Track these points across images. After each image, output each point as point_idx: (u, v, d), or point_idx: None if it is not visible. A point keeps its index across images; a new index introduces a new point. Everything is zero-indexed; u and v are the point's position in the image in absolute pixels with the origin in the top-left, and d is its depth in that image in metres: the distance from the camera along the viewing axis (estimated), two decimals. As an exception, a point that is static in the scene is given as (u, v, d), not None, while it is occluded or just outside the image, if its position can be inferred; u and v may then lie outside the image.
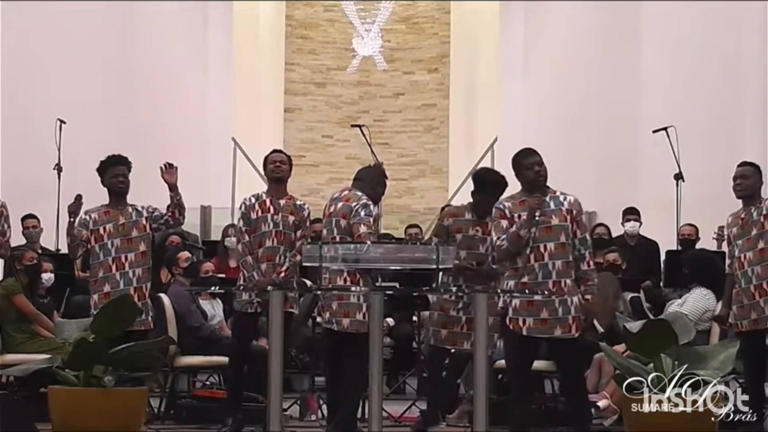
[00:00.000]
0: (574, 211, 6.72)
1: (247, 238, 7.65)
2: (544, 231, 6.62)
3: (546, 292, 6.49)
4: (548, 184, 6.83)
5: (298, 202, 7.79)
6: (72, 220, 7.53)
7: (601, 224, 11.32)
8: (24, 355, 8.26)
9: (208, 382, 9.35)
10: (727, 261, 7.72)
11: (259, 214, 7.66)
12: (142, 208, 7.71)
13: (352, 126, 11.43)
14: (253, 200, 7.73)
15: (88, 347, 6.47)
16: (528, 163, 6.77)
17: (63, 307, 9.21)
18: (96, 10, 12.36)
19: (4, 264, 9.24)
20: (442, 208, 10.51)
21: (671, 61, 12.34)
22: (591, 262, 6.76)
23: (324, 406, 8.62)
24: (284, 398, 6.79)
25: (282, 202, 7.71)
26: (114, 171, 7.60)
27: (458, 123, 16.83)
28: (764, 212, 7.47)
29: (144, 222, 7.64)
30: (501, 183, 7.60)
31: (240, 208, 7.78)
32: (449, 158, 16.79)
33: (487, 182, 7.66)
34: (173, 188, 7.67)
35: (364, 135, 10.27)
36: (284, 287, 7.33)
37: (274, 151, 7.97)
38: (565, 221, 6.67)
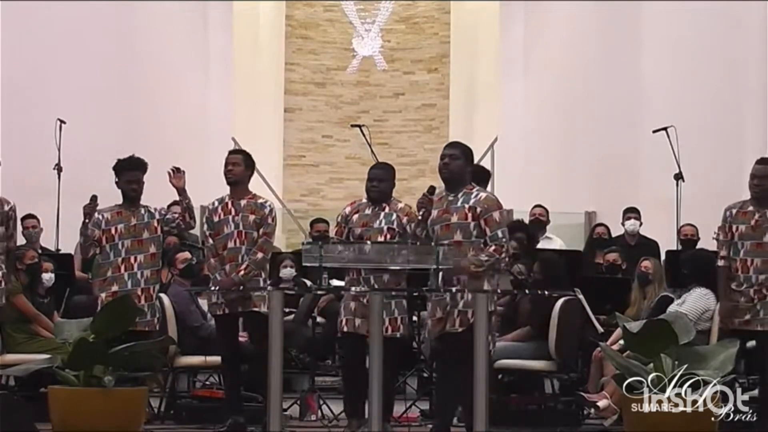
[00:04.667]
0: (479, 209, 6.67)
1: (211, 241, 7.70)
2: (444, 229, 6.67)
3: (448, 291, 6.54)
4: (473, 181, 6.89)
5: (259, 201, 7.79)
6: (86, 220, 7.61)
7: (601, 224, 11.32)
8: (24, 355, 8.25)
9: (208, 382, 9.35)
10: (722, 252, 7.66)
11: (222, 216, 7.71)
12: (155, 210, 7.80)
13: (352, 126, 11.43)
14: (216, 203, 7.80)
15: (88, 347, 6.47)
16: (441, 153, 6.82)
17: (63, 307, 9.21)
18: (96, 10, 12.35)
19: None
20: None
21: (671, 61, 12.33)
22: (495, 250, 6.63)
23: (324, 406, 8.64)
24: (284, 398, 6.81)
25: (243, 202, 7.72)
26: (128, 176, 7.73)
27: (458, 123, 16.80)
28: None
29: (155, 224, 7.74)
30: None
31: (204, 212, 7.85)
32: (449, 158, 16.75)
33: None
34: (182, 192, 7.77)
35: (364, 135, 10.27)
36: (246, 286, 7.42)
37: (229, 152, 7.99)
38: (466, 219, 6.66)
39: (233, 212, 7.70)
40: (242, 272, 7.57)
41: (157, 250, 7.78)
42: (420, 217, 6.76)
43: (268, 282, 7.89)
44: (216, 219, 7.72)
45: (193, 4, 14.56)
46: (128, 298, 7.15)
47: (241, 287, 7.46)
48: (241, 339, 8.17)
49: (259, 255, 7.64)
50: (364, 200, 7.58)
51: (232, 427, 7.57)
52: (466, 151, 6.83)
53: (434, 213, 6.77)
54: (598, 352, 8.27)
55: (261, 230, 7.69)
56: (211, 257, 7.70)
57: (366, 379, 6.30)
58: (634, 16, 12.85)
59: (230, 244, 7.65)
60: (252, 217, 7.69)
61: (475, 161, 9.04)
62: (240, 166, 7.77)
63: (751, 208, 7.58)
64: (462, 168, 6.77)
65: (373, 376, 6.02)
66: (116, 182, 7.77)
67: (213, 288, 7.61)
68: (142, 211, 7.76)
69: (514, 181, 14.04)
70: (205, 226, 7.80)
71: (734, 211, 7.64)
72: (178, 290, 8.78)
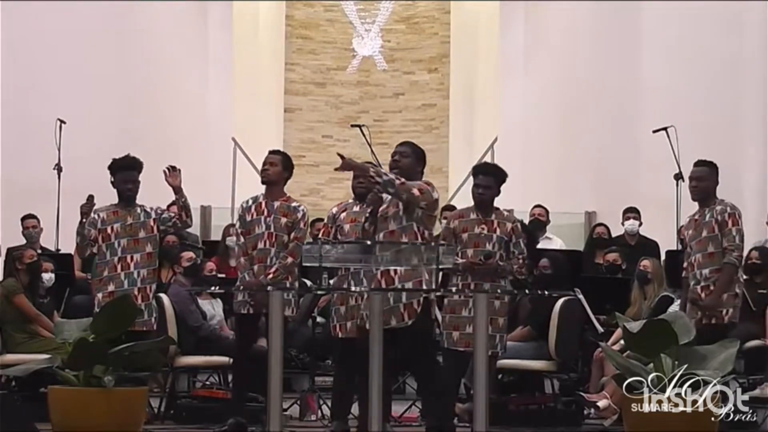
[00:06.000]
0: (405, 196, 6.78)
1: (242, 239, 7.67)
2: (382, 221, 6.79)
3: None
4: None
5: (293, 204, 7.75)
6: (83, 220, 7.62)
7: (601, 224, 11.32)
8: (24, 355, 8.26)
9: (208, 382, 9.35)
10: (685, 264, 7.68)
11: (254, 216, 7.68)
12: (151, 209, 7.81)
13: (352, 126, 11.41)
14: (250, 202, 7.76)
15: (88, 347, 6.47)
16: (393, 151, 6.98)
17: (63, 307, 9.21)
18: (96, 9, 12.35)
19: (5, 264, 9.24)
20: (442, 210, 10.50)
21: (671, 61, 12.33)
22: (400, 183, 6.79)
23: (324, 406, 8.64)
24: (284, 398, 6.80)
25: (276, 204, 7.69)
26: (124, 176, 7.74)
27: (458, 123, 16.82)
28: (717, 217, 7.43)
29: (152, 223, 7.75)
30: (502, 172, 8.02)
31: (238, 210, 7.81)
32: (449, 158, 16.78)
33: (499, 171, 7.97)
34: (178, 191, 7.77)
35: (364, 135, 10.25)
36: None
37: (269, 152, 7.94)
38: (396, 207, 6.80)
39: (266, 213, 7.66)
40: (271, 276, 7.54)
41: (154, 250, 7.78)
42: (369, 213, 6.88)
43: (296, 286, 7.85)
44: (248, 218, 7.68)
45: (193, 4, 14.57)
46: (128, 298, 7.16)
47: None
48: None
49: (289, 260, 7.58)
50: (350, 200, 7.61)
51: (233, 427, 7.56)
52: (417, 151, 6.99)
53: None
54: (599, 353, 8.28)
55: (292, 234, 7.64)
56: (242, 256, 7.67)
57: (360, 382, 6.32)
58: (634, 16, 12.85)
59: (260, 245, 7.62)
60: (284, 220, 7.65)
61: (475, 161, 9.08)
62: (277, 167, 7.72)
63: (697, 211, 7.64)
64: (411, 166, 6.90)
65: (373, 376, 6.02)
66: (111, 182, 7.77)
67: (238, 287, 7.58)
68: (138, 210, 7.77)
69: (514, 181, 13.96)
70: (237, 224, 7.77)
71: (687, 220, 7.75)
72: (178, 290, 8.79)
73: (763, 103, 11.59)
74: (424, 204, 6.74)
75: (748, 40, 11.82)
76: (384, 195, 6.79)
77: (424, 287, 6.68)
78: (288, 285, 7.58)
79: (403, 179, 6.69)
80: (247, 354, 7.77)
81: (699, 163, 7.70)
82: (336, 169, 6.91)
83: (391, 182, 6.61)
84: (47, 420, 6.61)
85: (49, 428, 6.61)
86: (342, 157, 6.83)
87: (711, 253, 7.44)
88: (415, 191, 6.69)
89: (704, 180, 7.56)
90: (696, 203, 7.67)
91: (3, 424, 6.63)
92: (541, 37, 14.80)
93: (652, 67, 12.56)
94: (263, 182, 7.75)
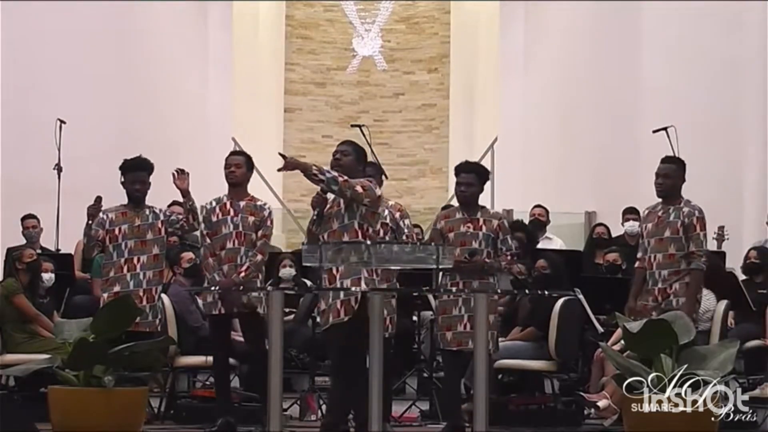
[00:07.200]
0: (348, 193, 6.89)
1: (208, 240, 7.69)
2: (327, 221, 6.92)
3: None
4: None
5: (258, 203, 7.80)
6: (90, 222, 7.63)
7: (601, 224, 11.32)
8: (24, 355, 8.26)
9: (208, 382, 9.35)
10: (639, 254, 7.66)
11: (220, 216, 7.70)
12: (160, 211, 7.83)
13: (352, 126, 11.40)
14: (213, 203, 7.79)
15: (88, 347, 6.47)
16: (334, 150, 7.20)
17: (63, 307, 9.21)
18: (96, 9, 12.35)
19: (4, 264, 9.25)
20: (443, 209, 10.50)
21: (671, 61, 12.33)
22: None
23: (324, 406, 8.63)
24: (284, 398, 6.81)
25: (242, 203, 7.72)
26: (134, 177, 7.77)
27: (458, 123, 16.82)
28: (683, 219, 7.39)
29: (159, 225, 7.79)
30: (486, 171, 8.03)
31: (201, 212, 7.84)
32: (449, 158, 16.78)
33: (480, 168, 7.95)
34: (186, 194, 7.78)
35: (364, 135, 10.24)
36: (245, 287, 7.43)
37: (230, 153, 7.99)
38: (338, 207, 6.92)
39: (232, 213, 7.69)
40: (243, 274, 7.57)
41: (161, 251, 7.82)
42: (315, 215, 6.98)
43: (268, 284, 7.87)
44: (214, 219, 7.71)
45: (193, 4, 14.58)
46: (128, 298, 7.16)
47: (241, 287, 7.46)
48: (238, 339, 8.18)
49: (259, 257, 7.65)
50: None
51: (223, 427, 7.56)
52: (357, 149, 7.16)
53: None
54: (599, 353, 8.28)
55: (260, 232, 7.69)
56: (209, 257, 7.69)
57: (357, 380, 6.36)
58: (634, 16, 12.85)
59: (229, 245, 7.65)
60: (251, 219, 7.68)
61: (475, 161, 9.06)
62: (242, 168, 7.77)
63: (660, 206, 7.59)
64: (352, 164, 7.05)
65: (373, 376, 6.02)
66: (122, 182, 7.81)
67: (214, 288, 7.60)
68: (147, 212, 7.80)
69: (514, 181, 14.05)
70: (203, 226, 7.79)
71: (647, 211, 7.68)
72: (178, 290, 8.79)
73: (763, 103, 11.59)
74: (367, 201, 6.84)
75: (748, 40, 11.83)
76: (327, 195, 6.89)
77: (363, 285, 6.71)
78: (258, 282, 7.67)
79: (345, 177, 6.80)
80: (226, 354, 7.80)
81: (666, 160, 7.67)
82: (279, 170, 6.96)
83: (334, 179, 6.74)
84: (47, 420, 6.61)
85: (49, 428, 6.61)
86: (284, 156, 6.90)
87: (671, 255, 7.41)
88: (359, 188, 6.81)
89: (670, 177, 7.52)
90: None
91: (3, 424, 6.63)
92: (541, 37, 14.80)
93: (652, 67, 12.56)
94: (229, 183, 7.76)
